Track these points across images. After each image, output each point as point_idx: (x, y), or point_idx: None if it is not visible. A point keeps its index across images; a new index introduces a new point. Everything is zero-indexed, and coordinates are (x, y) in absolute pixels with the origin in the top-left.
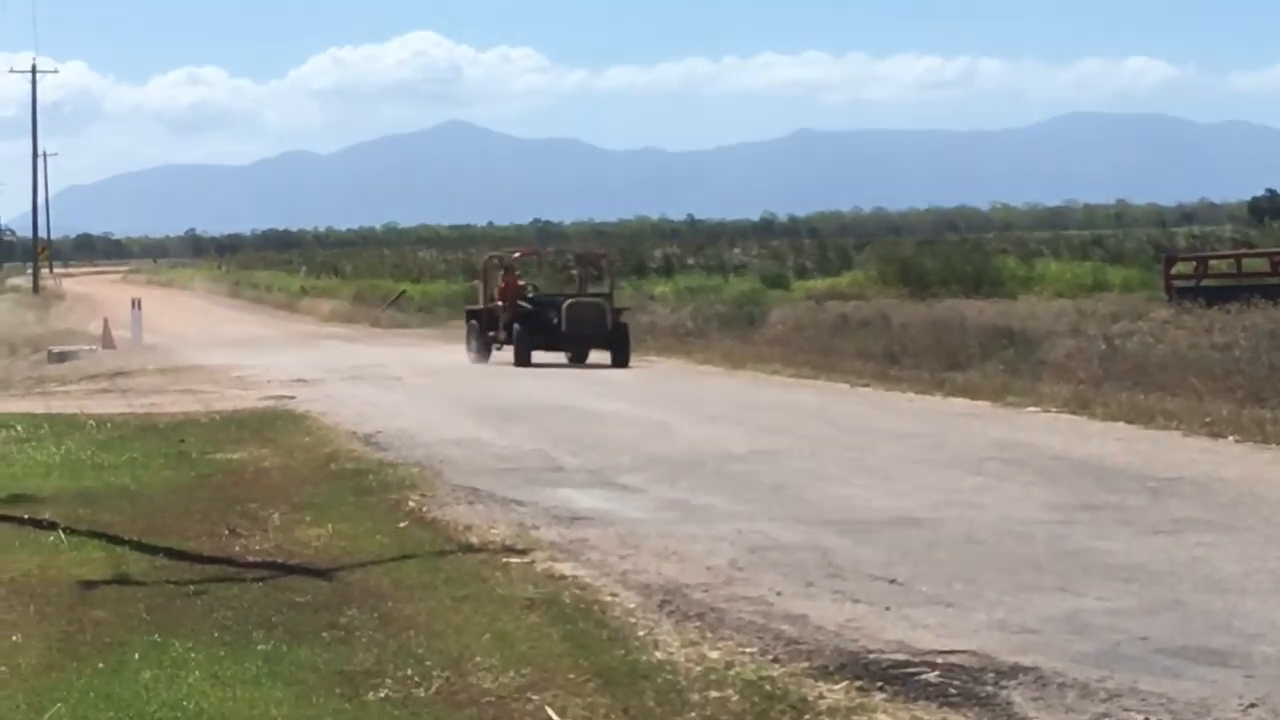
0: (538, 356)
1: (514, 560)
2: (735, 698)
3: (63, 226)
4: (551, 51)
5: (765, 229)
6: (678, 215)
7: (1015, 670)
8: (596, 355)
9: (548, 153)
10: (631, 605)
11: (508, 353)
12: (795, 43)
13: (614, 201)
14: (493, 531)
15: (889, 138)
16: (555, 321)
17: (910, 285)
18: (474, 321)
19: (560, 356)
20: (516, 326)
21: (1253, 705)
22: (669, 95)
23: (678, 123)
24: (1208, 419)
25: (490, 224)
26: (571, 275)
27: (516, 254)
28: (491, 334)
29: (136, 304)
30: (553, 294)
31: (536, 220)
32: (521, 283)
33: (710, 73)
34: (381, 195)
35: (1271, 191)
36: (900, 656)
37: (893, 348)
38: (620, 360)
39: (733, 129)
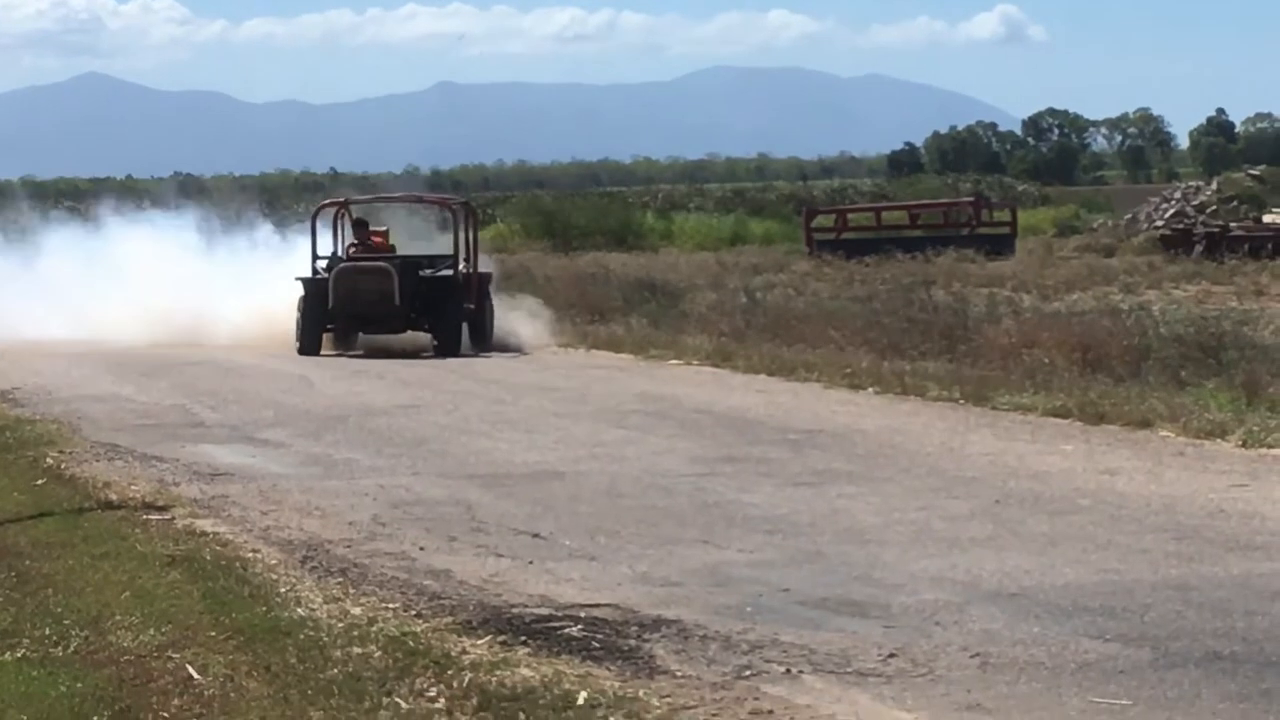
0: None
1: (154, 517)
2: (378, 653)
3: None
4: (192, 2)
5: (409, 182)
6: (320, 168)
7: (658, 623)
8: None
9: (188, 105)
10: (273, 562)
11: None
12: None
13: (256, 154)
14: (132, 488)
15: (530, 90)
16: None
17: (554, 238)
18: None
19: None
20: (299, 300)
21: (892, 655)
22: (311, 47)
23: (320, 75)
24: (848, 371)
25: (129, 177)
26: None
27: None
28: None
29: None
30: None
31: (177, 173)
32: (378, 239)
33: (353, 24)
34: (19, 148)
35: (910, 145)
36: (543, 610)
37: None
38: (448, 347)
39: (376, 81)
